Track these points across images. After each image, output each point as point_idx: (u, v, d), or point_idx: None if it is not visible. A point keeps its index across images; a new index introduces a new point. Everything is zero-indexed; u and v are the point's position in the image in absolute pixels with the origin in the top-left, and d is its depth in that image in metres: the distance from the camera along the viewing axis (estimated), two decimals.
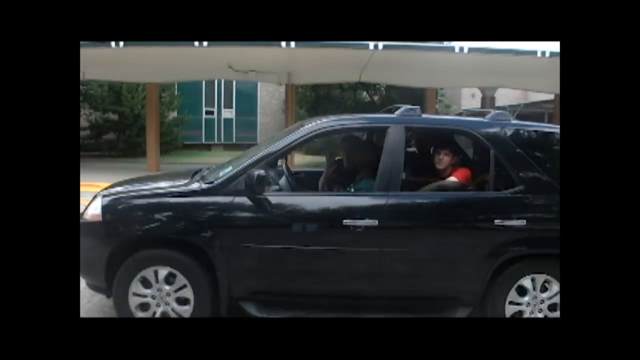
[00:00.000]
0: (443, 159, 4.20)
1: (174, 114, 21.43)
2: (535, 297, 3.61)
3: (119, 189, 3.99)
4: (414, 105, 3.95)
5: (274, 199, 3.60)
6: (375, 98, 21.33)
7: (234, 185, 3.58)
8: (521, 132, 3.84)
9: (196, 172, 4.21)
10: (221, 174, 3.74)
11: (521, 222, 3.52)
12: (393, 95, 20.05)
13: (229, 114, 23.53)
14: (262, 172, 3.46)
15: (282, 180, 4.06)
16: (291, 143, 3.78)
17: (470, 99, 24.02)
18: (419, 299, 3.73)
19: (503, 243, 3.56)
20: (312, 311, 3.65)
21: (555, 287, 3.58)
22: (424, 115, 3.97)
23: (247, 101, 23.72)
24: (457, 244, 3.65)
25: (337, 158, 4.79)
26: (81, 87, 18.56)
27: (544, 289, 3.62)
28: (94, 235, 3.62)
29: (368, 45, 10.43)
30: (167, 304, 3.61)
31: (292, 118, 14.51)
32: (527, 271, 3.61)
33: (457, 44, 10.75)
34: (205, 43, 10.82)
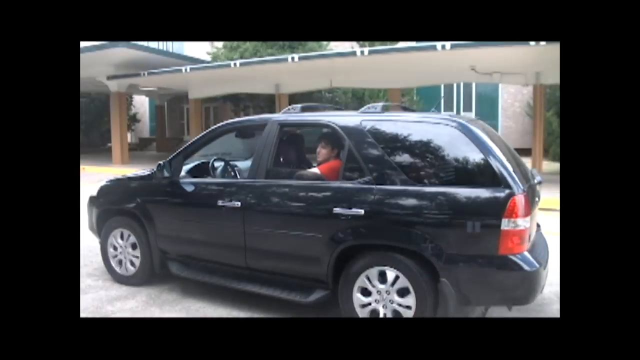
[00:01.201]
0: (320, 152, 4.43)
1: None
2: (379, 292, 3.54)
3: (122, 175, 5.43)
4: None
5: (181, 183, 4.51)
6: None
7: (160, 172, 4.55)
8: (380, 124, 3.76)
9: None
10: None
11: (359, 212, 3.53)
12: None
13: None
14: (161, 162, 4.53)
15: (219, 171, 4.92)
16: (197, 140, 4.66)
17: None
18: (284, 275, 4.03)
19: (340, 231, 3.62)
20: (223, 278, 4.30)
21: (402, 283, 3.45)
22: (302, 113, 4.33)
23: (487, 104, 22.72)
24: (301, 229, 3.84)
25: None
26: (327, 94, 19.83)
27: (385, 280, 3.53)
28: (91, 206, 5.21)
29: None
30: (128, 253, 4.87)
31: (541, 120, 13.38)
32: (369, 264, 3.57)
33: None
34: (448, 46, 10.58)
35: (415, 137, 3.61)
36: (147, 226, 4.65)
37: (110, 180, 5.24)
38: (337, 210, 3.61)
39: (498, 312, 4.05)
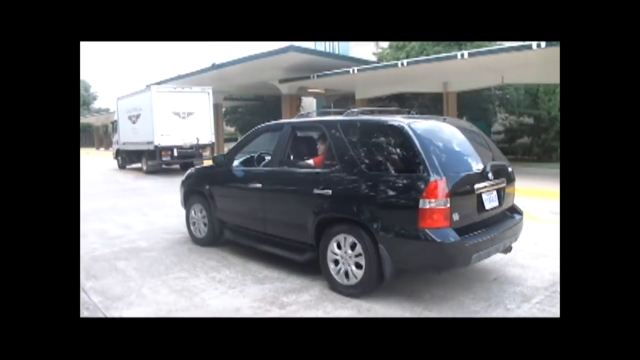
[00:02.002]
0: (319, 148, 5.75)
1: None
2: (345, 253, 4.52)
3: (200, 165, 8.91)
4: None
5: (232, 171, 6.04)
6: None
7: (217, 162, 6.32)
8: (350, 124, 4.82)
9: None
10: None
11: (328, 192, 4.61)
12: None
13: None
14: (214, 155, 6.52)
15: (263, 162, 6.06)
16: (242, 140, 6.32)
17: None
18: (291, 240, 5.19)
19: (317, 207, 4.72)
20: (254, 241, 5.67)
21: (357, 247, 4.41)
22: (306, 118, 5.96)
23: None
24: (296, 204, 5.04)
25: None
26: (498, 92, 18.84)
27: (352, 247, 4.47)
28: (181, 187, 7.00)
29: None
30: (199, 222, 6.58)
31: None
32: (337, 231, 4.58)
33: None
34: None
35: (372, 135, 4.64)
36: (210, 202, 6.29)
37: (194, 168, 7.11)
38: (315, 190, 4.73)
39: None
